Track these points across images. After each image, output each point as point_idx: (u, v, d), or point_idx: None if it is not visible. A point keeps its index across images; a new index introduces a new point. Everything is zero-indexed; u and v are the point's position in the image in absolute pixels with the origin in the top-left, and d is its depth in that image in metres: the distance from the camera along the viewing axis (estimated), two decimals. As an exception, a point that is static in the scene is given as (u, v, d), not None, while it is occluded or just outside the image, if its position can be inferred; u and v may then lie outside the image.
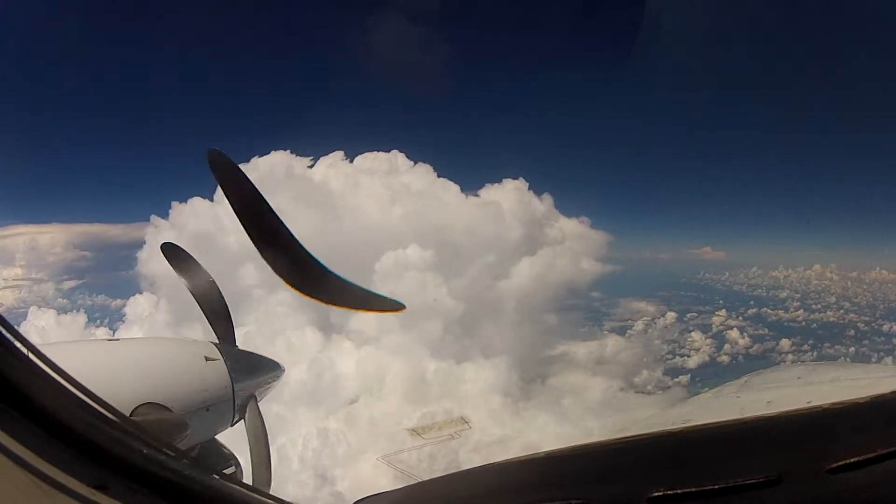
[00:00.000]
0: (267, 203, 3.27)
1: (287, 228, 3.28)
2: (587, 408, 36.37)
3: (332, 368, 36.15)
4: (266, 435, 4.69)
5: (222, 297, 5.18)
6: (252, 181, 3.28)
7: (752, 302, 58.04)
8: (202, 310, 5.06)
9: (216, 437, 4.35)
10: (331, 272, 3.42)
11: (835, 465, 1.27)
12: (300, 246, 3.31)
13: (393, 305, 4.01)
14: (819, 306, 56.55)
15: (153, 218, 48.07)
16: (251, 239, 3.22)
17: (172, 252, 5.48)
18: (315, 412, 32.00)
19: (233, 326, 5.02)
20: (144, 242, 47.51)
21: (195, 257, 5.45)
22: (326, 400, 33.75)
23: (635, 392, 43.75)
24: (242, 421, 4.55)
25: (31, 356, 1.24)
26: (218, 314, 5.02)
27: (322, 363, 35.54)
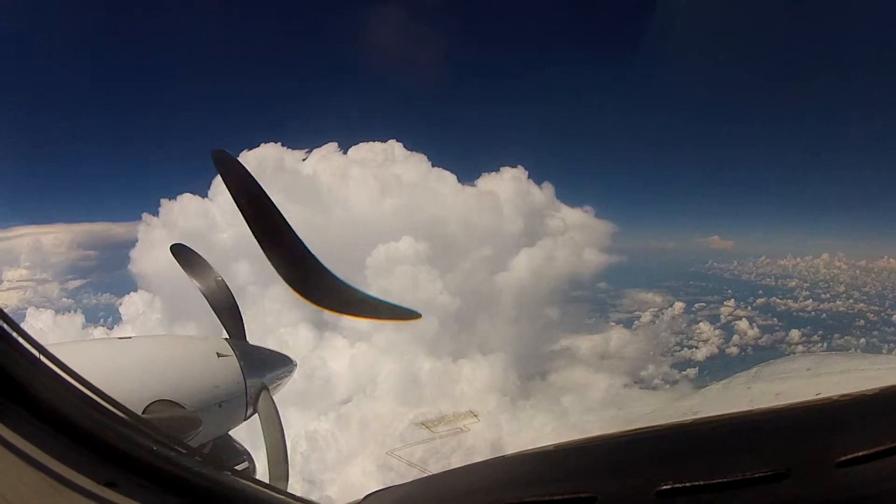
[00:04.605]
0: (276, 208, 3.25)
1: (298, 238, 3.26)
2: (588, 407, 35.71)
3: (325, 367, 35.68)
4: (282, 429, 4.73)
5: (232, 295, 5.27)
6: (260, 185, 3.25)
7: (760, 291, 57.92)
8: (212, 307, 5.15)
9: (229, 432, 4.40)
10: (343, 283, 3.42)
11: (844, 458, 1.26)
12: (312, 256, 3.30)
13: (408, 314, 4.01)
14: (828, 296, 56.33)
15: (144, 215, 48.31)
16: (261, 247, 3.20)
17: (182, 252, 5.60)
18: (307, 412, 31.33)
19: (243, 323, 5.11)
20: (137, 240, 47.77)
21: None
22: (319, 399, 33.23)
23: (640, 388, 43.31)
24: (257, 416, 4.60)
25: (40, 356, 1.25)
26: (228, 311, 5.11)
27: (314, 361, 35.16)
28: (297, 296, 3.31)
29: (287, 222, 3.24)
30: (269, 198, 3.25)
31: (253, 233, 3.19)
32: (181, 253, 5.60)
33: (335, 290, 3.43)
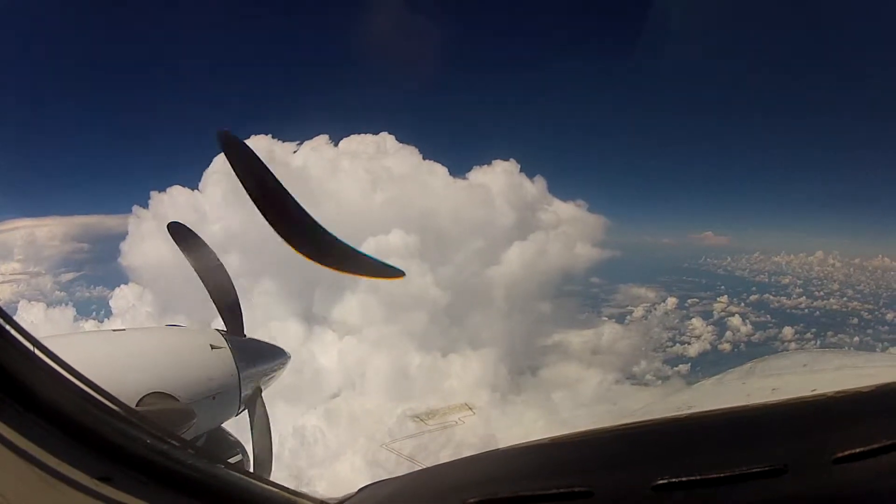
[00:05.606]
0: (280, 184, 3.31)
1: (303, 209, 3.32)
2: (580, 403, 35.39)
3: (314, 361, 35.28)
4: (268, 422, 4.71)
5: (231, 281, 5.07)
6: (265, 163, 3.32)
7: (754, 288, 57.90)
8: (209, 293, 4.97)
9: (222, 425, 4.38)
10: (334, 237, 3.46)
11: (841, 454, 1.26)
12: (317, 224, 3.35)
13: (392, 272, 4.02)
14: (822, 293, 56.39)
15: (135, 208, 48.04)
16: (267, 220, 3.24)
17: (179, 232, 5.22)
18: (295, 407, 30.98)
19: (241, 313, 4.95)
20: (127, 233, 47.60)
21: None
22: (307, 394, 32.92)
23: (632, 384, 43.09)
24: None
25: (34, 349, 1.23)
26: (226, 299, 4.95)
27: (303, 355, 34.46)
28: (298, 253, 3.36)
29: (292, 196, 3.30)
30: (273, 175, 3.31)
31: (259, 208, 3.23)
32: (178, 232, 5.19)
33: (331, 245, 3.48)
